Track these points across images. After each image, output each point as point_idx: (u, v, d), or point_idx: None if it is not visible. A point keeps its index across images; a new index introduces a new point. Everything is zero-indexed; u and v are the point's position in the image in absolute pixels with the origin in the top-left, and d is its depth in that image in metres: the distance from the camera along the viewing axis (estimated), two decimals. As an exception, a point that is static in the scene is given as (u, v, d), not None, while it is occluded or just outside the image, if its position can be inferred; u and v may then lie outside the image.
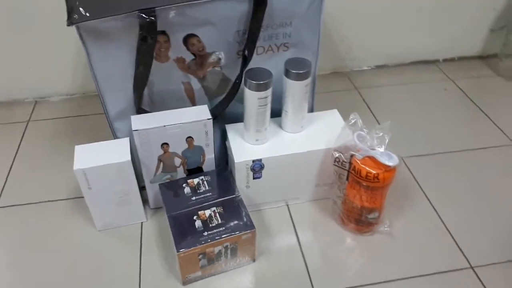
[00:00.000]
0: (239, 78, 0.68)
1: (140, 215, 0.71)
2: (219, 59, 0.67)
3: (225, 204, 0.65)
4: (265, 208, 0.74)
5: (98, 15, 0.58)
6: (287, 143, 0.70)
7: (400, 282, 0.63)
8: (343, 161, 0.66)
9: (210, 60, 0.67)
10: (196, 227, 0.61)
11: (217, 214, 0.63)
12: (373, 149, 0.64)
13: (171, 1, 0.59)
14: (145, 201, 0.72)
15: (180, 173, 0.71)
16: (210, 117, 0.66)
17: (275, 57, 0.70)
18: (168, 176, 0.70)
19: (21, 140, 0.90)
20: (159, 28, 0.60)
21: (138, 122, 0.64)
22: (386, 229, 0.69)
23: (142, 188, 0.70)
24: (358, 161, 0.63)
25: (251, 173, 0.69)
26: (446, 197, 0.76)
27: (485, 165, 0.83)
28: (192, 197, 0.66)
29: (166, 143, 0.66)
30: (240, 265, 0.65)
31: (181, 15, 0.60)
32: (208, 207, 0.64)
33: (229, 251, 0.62)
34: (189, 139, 0.67)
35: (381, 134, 0.64)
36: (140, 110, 0.67)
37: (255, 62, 0.67)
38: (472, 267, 0.65)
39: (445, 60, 1.14)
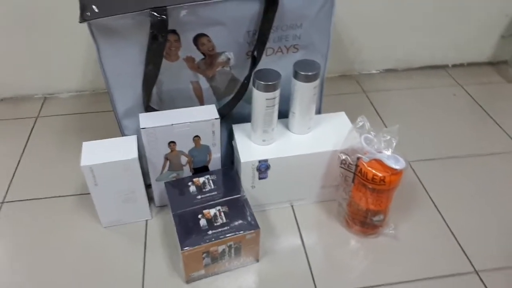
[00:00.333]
0: (247, 78, 0.68)
1: (146, 212, 0.72)
2: (229, 59, 0.67)
3: (230, 204, 0.65)
4: (270, 209, 0.74)
5: (109, 13, 0.58)
6: (293, 144, 0.70)
7: (404, 285, 0.63)
8: (350, 163, 0.66)
9: (219, 60, 0.67)
10: (201, 225, 0.61)
11: (222, 213, 0.63)
12: (380, 152, 0.63)
13: (182, 0, 0.59)
14: (150, 199, 0.73)
15: (186, 171, 0.71)
16: (218, 116, 0.66)
17: (284, 59, 0.70)
18: (174, 174, 0.71)
19: (29, 136, 0.91)
20: (170, 27, 0.60)
21: (146, 120, 0.65)
22: (391, 231, 0.69)
23: (148, 186, 0.70)
24: (365, 164, 0.63)
25: (257, 173, 0.69)
26: (452, 202, 0.76)
27: (492, 171, 0.82)
28: (198, 195, 0.66)
29: (173, 142, 0.66)
30: (244, 265, 0.65)
31: (192, 15, 0.61)
32: (213, 206, 0.64)
33: (233, 251, 0.62)
34: (196, 138, 0.67)
35: (388, 137, 0.64)
36: (148, 108, 0.68)
37: (264, 63, 0.68)
38: (476, 271, 0.65)
39: (454, 66, 1.14)
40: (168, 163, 0.69)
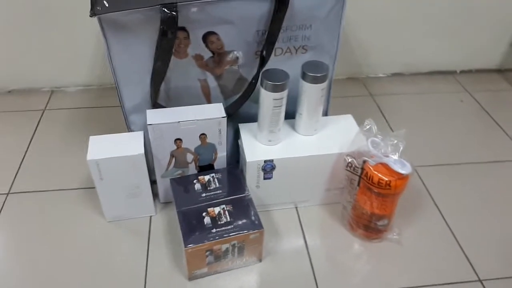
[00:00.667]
0: (255, 78, 0.68)
1: (150, 208, 0.72)
2: (237, 58, 0.67)
3: (235, 203, 0.65)
4: (274, 209, 0.74)
5: (120, 8, 0.58)
6: (299, 145, 0.70)
7: (406, 291, 0.63)
8: (355, 166, 0.66)
9: (228, 59, 0.67)
10: (205, 223, 0.61)
11: (226, 212, 0.63)
12: (387, 156, 0.63)
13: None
14: (155, 195, 0.73)
15: (192, 169, 0.71)
16: (225, 115, 0.66)
17: (293, 59, 0.70)
18: (180, 171, 0.71)
19: (36, 128, 0.91)
20: (179, 24, 0.60)
21: (153, 116, 0.65)
22: (395, 237, 0.69)
23: (153, 182, 0.70)
24: (371, 167, 0.63)
25: (262, 173, 0.69)
26: (457, 209, 0.76)
27: (498, 179, 0.82)
28: (202, 193, 0.66)
29: (180, 139, 0.66)
30: (246, 264, 0.65)
31: (202, 12, 0.61)
32: (218, 205, 0.64)
33: (236, 250, 0.62)
34: (203, 136, 0.67)
35: (395, 141, 0.64)
36: (156, 105, 0.68)
37: (273, 63, 0.67)
38: (480, 280, 0.64)
39: (462, 72, 1.14)
40: (173, 160, 0.69)
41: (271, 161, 0.67)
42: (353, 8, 0.91)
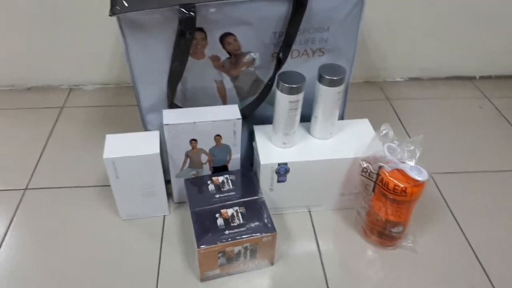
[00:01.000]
0: (271, 80, 0.68)
1: (164, 208, 0.72)
2: (254, 59, 0.67)
3: (248, 205, 0.65)
4: (287, 213, 0.74)
5: (139, 8, 0.59)
6: (314, 149, 0.70)
7: (420, 300, 0.62)
8: (371, 172, 0.65)
9: (244, 60, 0.67)
10: (218, 225, 0.61)
11: (239, 214, 0.63)
12: (403, 162, 0.62)
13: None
14: (169, 194, 0.73)
15: (206, 170, 0.71)
16: (240, 117, 0.66)
17: (310, 62, 0.69)
18: (194, 172, 0.71)
19: (54, 125, 0.92)
20: (197, 25, 0.60)
21: (170, 116, 0.65)
22: (409, 244, 0.68)
23: (167, 182, 0.71)
24: (387, 173, 0.62)
25: (275, 176, 0.68)
26: (473, 217, 0.74)
27: (517, 188, 0.80)
28: (216, 194, 0.66)
29: (195, 139, 0.67)
30: (258, 267, 0.65)
31: (220, 13, 0.61)
32: (231, 206, 0.64)
33: (248, 252, 0.62)
34: (217, 137, 0.67)
35: (412, 147, 0.63)
36: (172, 105, 0.68)
37: (289, 65, 0.67)
38: (496, 291, 0.63)
39: (481, 78, 1.11)
40: (188, 160, 0.69)
41: (285, 164, 0.67)
42: (371, 11, 0.90)
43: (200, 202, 0.65)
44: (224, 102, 0.72)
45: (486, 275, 0.65)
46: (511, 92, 1.07)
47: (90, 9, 0.91)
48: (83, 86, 1.04)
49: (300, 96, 0.65)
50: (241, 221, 0.62)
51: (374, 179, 0.65)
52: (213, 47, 0.65)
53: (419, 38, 1.03)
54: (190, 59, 0.65)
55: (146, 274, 0.64)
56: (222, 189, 0.67)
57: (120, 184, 0.67)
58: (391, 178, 0.62)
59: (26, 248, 0.68)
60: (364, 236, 0.70)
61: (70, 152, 0.86)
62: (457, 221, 0.73)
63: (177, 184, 0.72)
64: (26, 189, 0.77)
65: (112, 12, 0.59)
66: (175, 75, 0.65)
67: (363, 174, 0.67)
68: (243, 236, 0.60)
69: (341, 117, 0.78)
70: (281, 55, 0.65)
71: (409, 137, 0.90)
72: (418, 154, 0.62)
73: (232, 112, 0.67)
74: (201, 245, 0.59)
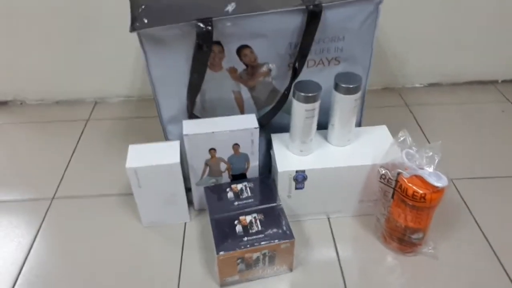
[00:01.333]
0: (288, 89, 0.69)
1: (185, 215, 0.74)
2: (270, 70, 0.69)
3: (266, 212, 0.65)
4: (306, 220, 0.74)
5: (158, 23, 0.61)
6: (332, 156, 0.70)
7: (442, 308, 0.61)
8: (389, 178, 0.65)
9: (261, 71, 0.69)
10: (237, 231, 0.63)
11: (258, 221, 0.64)
12: (422, 169, 0.62)
13: (227, 13, 0.61)
14: (190, 202, 0.75)
15: (225, 178, 0.73)
16: (257, 126, 0.67)
17: (325, 71, 0.70)
18: (214, 180, 0.73)
19: (80, 137, 0.96)
20: (214, 38, 0.62)
21: (189, 126, 0.67)
22: (430, 251, 0.67)
23: (188, 190, 0.73)
24: (405, 180, 0.62)
25: (293, 184, 0.69)
26: (497, 224, 0.73)
27: (542, 194, 0.78)
28: (235, 202, 0.68)
29: (214, 149, 0.68)
30: (277, 274, 0.66)
31: (236, 26, 0.63)
32: (249, 213, 0.65)
33: (267, 259, 0.63)
34: (236, 146, 0.69)
35: (430, 153, 0.62)
36: (192, 116, 0.70)
37: (305, 74, 0.68)
38: (522, 300, 0.62)
39: (504, 81, 1.09)
40: (208, 168, 0.71)
41: (303, 171, 0.68)
42: (389, 18, 0.91)
43: (219, 209, 0.66)
44: (242, 112, 0.73)
45: (511, 281, 0.64)
46: (536, 96, 1.04)
47: (113, 26, 0.95)
48: (107, 99, 1.08)
49: (316, 105, 0.66)
50: (260, 228, 0.63)
51: (393, 186, 0.65)
52: (230, 59, 0.67)
53: (439, 44, 1.02)
54: (208, 71, 0.67)
55: (167, 279, 0.66)
56: (241, 197, 0.68)
57: (143, 192, 0.69)
58: (410, 185, 0.62)
59: (53, 254, 0.70)
60: (383, 243, 0.70)
61: (95, 162, 0.89)
62: (480, 227, 0.72)
63: (198, 192, 0.74)
64: (53, 198, 0.81)
65: (133, 28, 0.62)
66: (194, 87, 0.67)
67: (382, 180, 0.67)
68: (262, 243, 0.61)
69: (359, 124, 0.79)
70: (296, 65, 0.67)
71: (429, 143, 0.90)
72: (437, 160, 0.62)
73: (249, 121, 0.68)
74: (220, 252, 0.60)
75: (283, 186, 0.69)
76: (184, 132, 0.66)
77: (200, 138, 0.67)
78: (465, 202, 0.77)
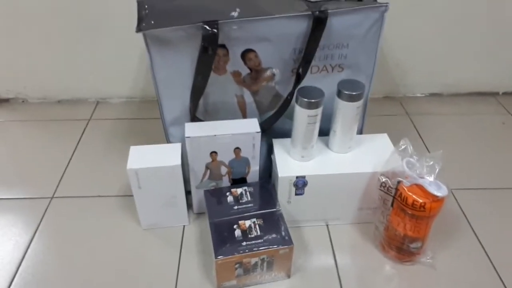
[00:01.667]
0: (291, 95, 0.69)
1: (184, 218, 0.74)
2: (274, 75, 0.69)
3: (265, 217, 0.65)
4: (305, 226, 0.74)
5: (164, 25, 0.62)
6: (332, 162, 0.70)
7: (439, 318, 0.61)
8: (390, 186, 0.65)
9: (264, 76, 0.69)
10: (236, 236, 0.62)
11: (257, 226, 0.64)
12: (422, 178, 0.62)
13: (232, 16, 0.61)
14: (189, 205, 0.75)
15: (225, 181, 0.73)
16: (259, 130, 0.67)
17: (329, 77, 0.71)
18: (214, 183, 0.73)
19: (81, 137, 0.96)
20: (220, 41, 0.63)
21: (191, 129, 0.67)
22: (428, 260, 0.67)
23: (187, 193, 0.72)
24: (405, 188, 0.62)
25: (293, 189, 0.69)
26: (495, 235, 0.73)
27: (542, 207, 0.78)
28: (234, 206, 0.67)
29: (215, 152, 0.68)
30: (275, 280, 0.65)
31: (242, 30, 0.63)
32: (249, 218, 0.65)
33: (265, 264, 0.63)
34: (237, 150, 0.69)
35: (431, 162, 0.63)
36: (194, 118, 0.70)
37: (308, 80, 0.68)
38: (519, 312, 0.61)
39: (505, 93, 1.10)
40: (208, 172, 0.71)
41: (303, 177, 0.68)
42: (392, 28, 0.91)
43: (218, 213, 0.66)
44: (244, 116, 0.73)
45: (509, 294, 0.64)
46: (536, 109, 1.05)
47: (117, 26, 0.95)
48: (109, 99, 1.08)
49: (319, 111, 0.66)
50: (259, 232, 0.63)
51: (392, 194, 0.65)
52: (235, 63, 0.67)
53: (441, 55, 1.03)
54: (212, 74, 0.67)
55: (165, 283, 0.65)
56: (241, 201, 0.68)
57: (142, 194, 0.69)
58: (410, 193, 0.62)
59: (50, 254, 0.70)
60: (382, 251, 0.70)
61: (95, 162, 0.89)
62: (478, 238, 0.72)
63: (197, 195, 0.74)
64: (52, 197, 0.81)
65: (139, 29, 0.62)
66: (198, 90, 0.68)
67: (382, 188, 0.67)
68: (260, 248, 0.61)
69: (360, 132, 0.79)
70: (300, 70, 0.67)
71: (429, 152, 0.90)
72: (437, 170, 0.62)
73: (251, 125, 0.68)
74: (219, 256, 0.60)
75: (283, 192, 0.69)
76: (186, 135, 0.66)
77: (202, 141, 0.67)
78: (463, 213, 0.77)
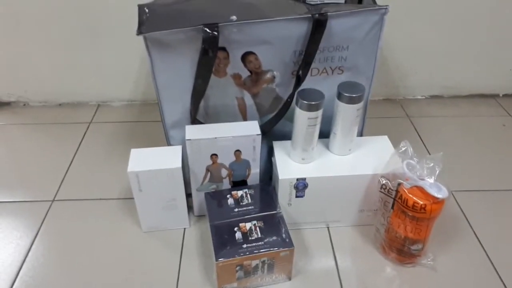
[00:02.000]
0: (291, 97, 0.69)
1: (184, 221, 0.74)
2: (274, 77, 0.69)
3: (266, 219, 0.65)
4: (305, 228, 0.74)
5: (165, 28, 0.62)
6: (333, 164, 0.70)
7: (440, 320, 0.61)
8: (390, 188, 0.65)
9: (265, 78, 0.69)
10: (236, 238, 0.63)
11: (257, 228, 0.64)
12: (422, 179, 0.62)
13: (232, 19, 0.62)
14: (190, 208, 0.75)
15: (226, 184, 0.73)
16: (259, 132, 0.67)
17: (329, 80, 0.71)
18: (214, 186, 0.73)
19: (82, 140, 0.96)
20: (220, 44, 0.63)
21: (192, 132, 0.67)
22: (429, 262, 0.67)
23: (188, 195, 0.73)
24: (406, 190, 0.62)
25: (294, 191, 0.69)
26: (496, 237, 0.73)
27: (543, 208, 0.78)
28: (235, 208, 0.68)
29: (216, 154, 0.68)
30: (276, 282, 0.65)
31: (242, 33, 0.63)
32: (249, 220, 0.65)
33: (266, 266, 0.63)
34: (237, 152, 0.69)
35: (431, 164, 0.63)
36: (195, 121, 0.70)
37: (309, 82, 0.69)
38: (521, 315, 0.61)
39: (505, 95, 1.10)
40: (209, 174, 0.71)
41: (304, 179, 0.68)
42: (393, 30, 0.92)
43: (219, 215, 0.66)
44: (245, 118, 0.73)
45: (510, 296, 0.64)
46: (537, 110, 1.05)
47: (118, 30, 0.96)
48: (110, 102, 1.09)
49: (319, 113, 0.66)
50: (259, 235, 0.63)
51: (393, 196, 0.65)
52: (235, 66, 0.67)
53: (441, 57, 1.03)
54: (212, 77, 0.67)
55: (165, 285, 0.65)
56: (241, 203, 0.68)
57: (143, 196, 0.69)
58: (410, 195, 0.62)
59: (51, 257, 0.70)
60: (382, 253, 0.70)
61: (96, 165, 0.89)
62: (479, 240, 0.72)
63: (198, 198, 0.74)
64: (53, 200, 0.81)
65: (139, 32, 0.62)
66: (198, 93, 0.68)
67: (382, 190, 0.67)
68: (261, 250, 0.61)
69: (360, 134, 0.79)
70: (300, 73, 0.67)
71: (429, 154, 0.90)
72: (437, 171, 0.62)
73: (252, 128, 0.68)
74: (219, 258, 0.60)
75: (284, 194, 0.70)
76: (187, 137, 0.66)
77: (203, 143, 0.67)
78: (464, 214, 0.77)
